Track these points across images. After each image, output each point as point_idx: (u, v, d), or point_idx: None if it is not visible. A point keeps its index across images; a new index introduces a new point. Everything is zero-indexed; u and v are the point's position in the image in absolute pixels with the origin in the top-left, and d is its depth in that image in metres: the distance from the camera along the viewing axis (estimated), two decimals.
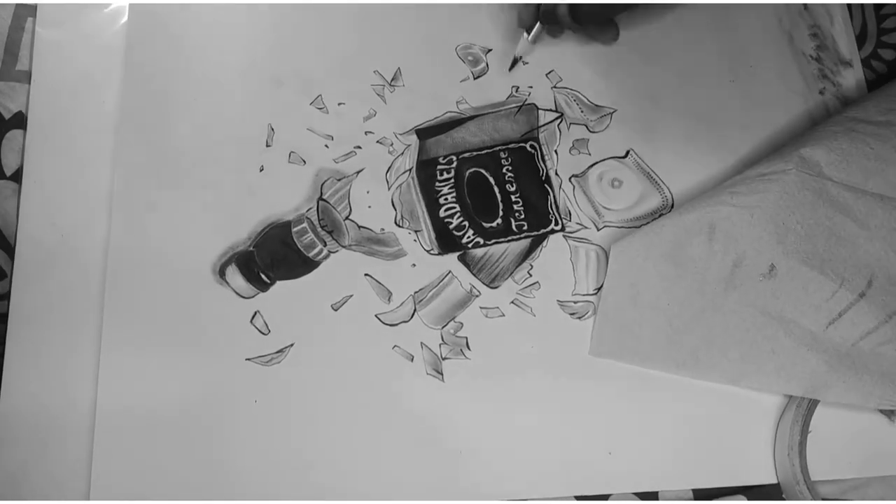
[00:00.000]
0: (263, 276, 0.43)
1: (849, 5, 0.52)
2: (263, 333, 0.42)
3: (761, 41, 0.51)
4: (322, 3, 0.48)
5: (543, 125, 0.47)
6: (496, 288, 0.44)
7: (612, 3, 0.44)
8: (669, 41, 0.50)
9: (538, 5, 0.45)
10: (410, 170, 0.46)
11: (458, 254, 0.45)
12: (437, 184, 0.46)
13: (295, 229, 0.44)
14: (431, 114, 0.47)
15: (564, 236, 0.46)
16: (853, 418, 0.43)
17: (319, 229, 0.44)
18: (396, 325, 0.43)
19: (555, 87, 0.48)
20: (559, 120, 0.48)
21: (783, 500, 0.42)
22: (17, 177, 0.44)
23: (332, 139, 0.46)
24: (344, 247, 0.44)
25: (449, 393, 0.42)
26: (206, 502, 0.39)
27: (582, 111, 0.48)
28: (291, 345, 0.42)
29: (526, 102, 0.48)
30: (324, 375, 0.42)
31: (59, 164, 0.44)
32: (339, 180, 0.45)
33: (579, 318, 0.44)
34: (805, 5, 0.52)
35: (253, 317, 0.42)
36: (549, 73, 0.48)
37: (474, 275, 0.44)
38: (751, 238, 0.41)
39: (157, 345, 0.41)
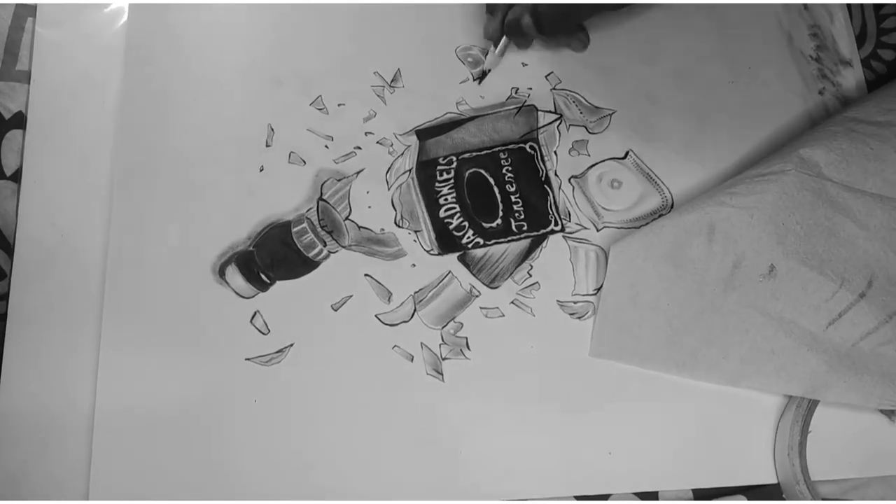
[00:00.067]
0: (263, 276, 0.43)
1: (849, 5, 0.52)
2: (263, 333, 0.42)
3: (761, 41, 0.51)
4: (322, 3, 0.48)
5: (543, 126, 0.47)
6: (496, 288, 0.44)
7: (572, 8, 0.43)
8: (668, 42, 0.50)
9: (503, 18, 0.45)
10: (410, 170, 0.46)
11: (457, 254, 0.45)
12: (437, 184, 0.46)
13: (295, 229, 0.44)
14: (431, 114, 0.47)
15: (564, 237, 0.46)
16: (853, 418, 0.43)
17: (319, 229, 0.44)
18: (396, 325, 0.43)
19: (554, 88, 0.48)
20: (558, 121, 0.48)
21: (783, 500, 0.42)
22: (16, 177, 0.44)
23: (332, 140, 0.46)
24: (344, 247, 0.44)
25: (449, 393, 0.42)
26: (206, 502, 0.39)
27: (581, 112, 0.48)
28: (291, 345, 0.42)
29: (525, 104, 0.48)
30: (323, 375, 0.42)
31: (58, 164, 0.44)
32: (339, 181, 0.45)
33: (579, 318, 0.44)
34: (805, 5, 0.52)
35: (253, 317, 0.42)
36: (549, 74, 0.48)
37: (474, 275, 0.44)
38: (750, 239, 0.41)
39: (157, 345, 0.41)
